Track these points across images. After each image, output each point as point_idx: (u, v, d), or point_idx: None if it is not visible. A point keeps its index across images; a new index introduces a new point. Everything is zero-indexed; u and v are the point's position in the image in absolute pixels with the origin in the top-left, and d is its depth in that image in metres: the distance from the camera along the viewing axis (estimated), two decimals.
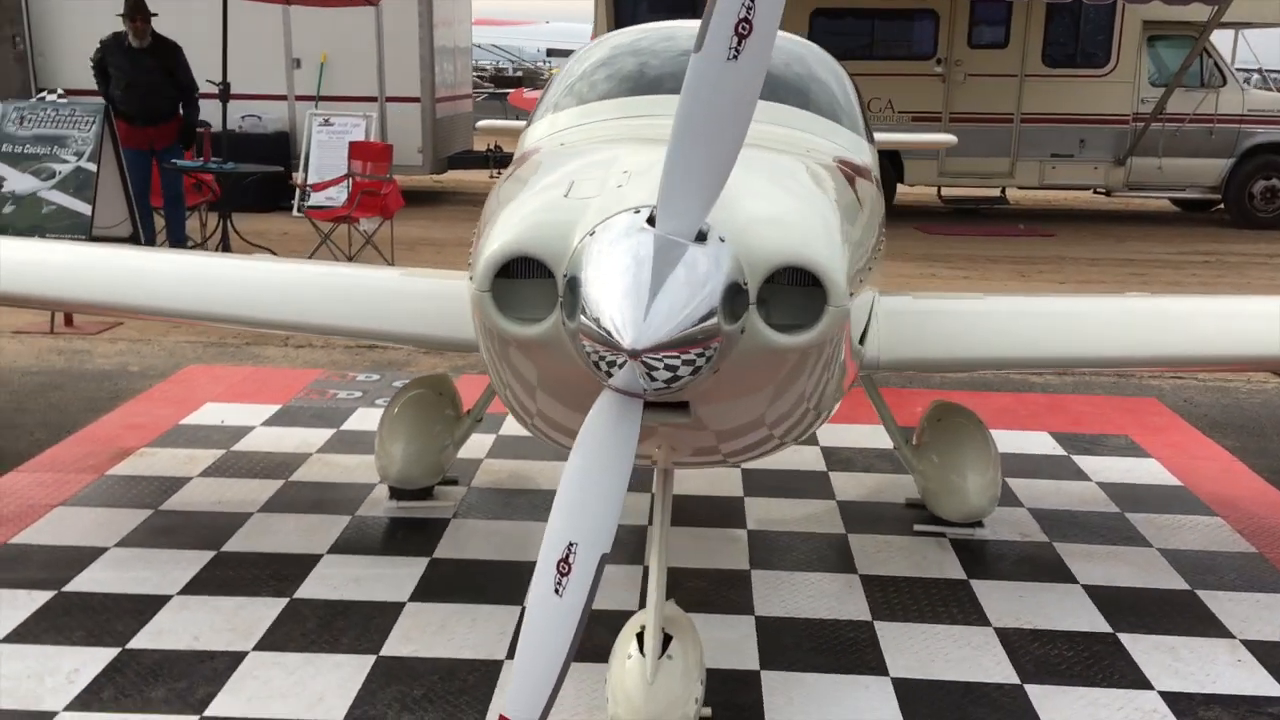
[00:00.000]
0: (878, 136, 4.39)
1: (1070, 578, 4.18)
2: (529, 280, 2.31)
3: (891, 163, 14.42)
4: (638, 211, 2.15)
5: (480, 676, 3.42)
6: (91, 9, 13.70)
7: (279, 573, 4.04)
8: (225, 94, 10.02)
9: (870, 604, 3.93)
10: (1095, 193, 15.69)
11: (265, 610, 3.78)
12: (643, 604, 3.50)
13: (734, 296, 2.18)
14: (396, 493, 4.68)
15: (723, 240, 2.17)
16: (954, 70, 14.16)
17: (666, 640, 2.95)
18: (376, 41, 14.56)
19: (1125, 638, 3.75)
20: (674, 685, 2.88)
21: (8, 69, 14.60)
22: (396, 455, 4.53)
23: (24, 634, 3.58)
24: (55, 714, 3.16)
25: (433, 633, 3.67)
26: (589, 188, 2.39)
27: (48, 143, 9.12)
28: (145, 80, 9.25)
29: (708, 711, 3.20)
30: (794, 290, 2.25)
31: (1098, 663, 3.58)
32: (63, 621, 3.67)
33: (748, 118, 2.10)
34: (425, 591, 3.95)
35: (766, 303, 2.27)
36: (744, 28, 2.00)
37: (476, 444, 5.28)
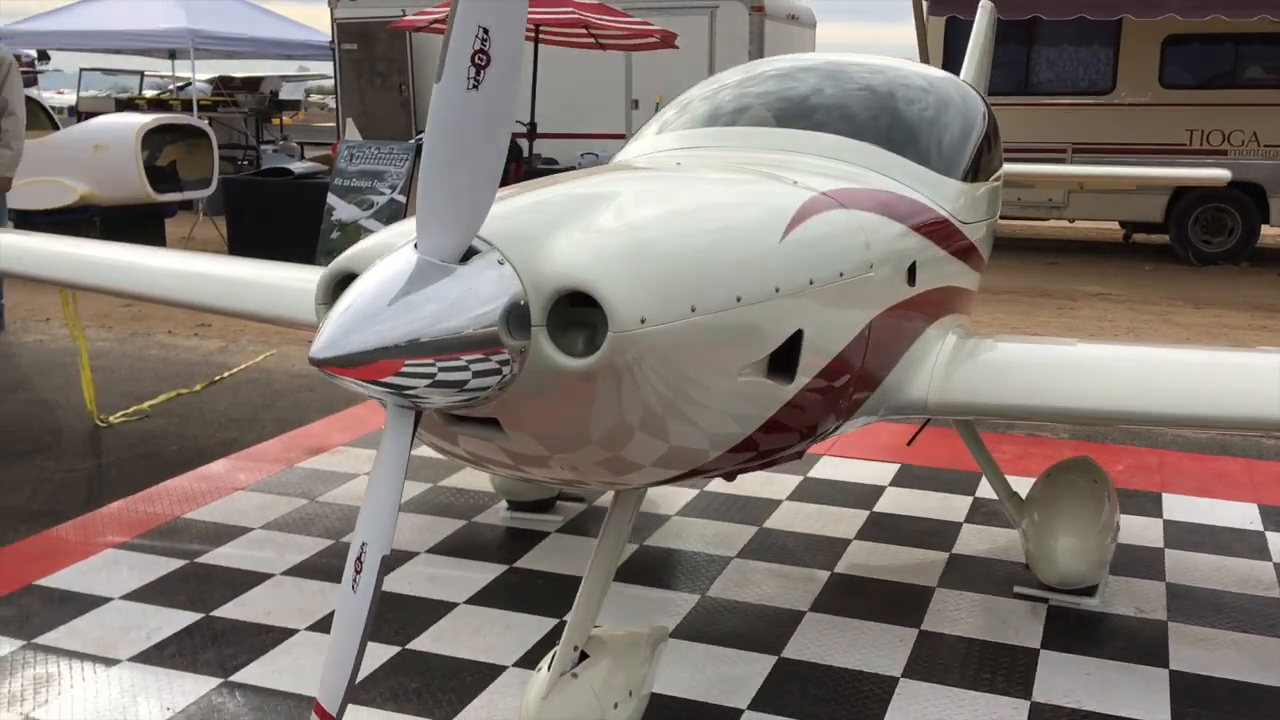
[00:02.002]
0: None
1: (1162, 662, 3.74)
2: None
3: (1255, 201, 13.08)
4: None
5: (478, 679, 3.59)
6: None
7: None
8: (531, 133, 10.84)
9: (910, 660, 3.72)
10: None
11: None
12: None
13: (517, 316, 2.24)
14: (514, 504, 4.94)
15: (502, 263, 2.24)
16: None
17: (583, 658, 3.00)
18: None
19: None
20: (574, 703, 2.92)
21: (394, 113, 16.46)
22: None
23: (139, 594, 4.16)
24: (118, 662, 3.67)
25: (466, 634, 3.88)
26: None
27: (369, 177, 10.29)
28: None
29: None
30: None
31: None
32: (175, 587, 4.22)
33: (501, 144, 2.17)
34: (483, 596, 4.17)
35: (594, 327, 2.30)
36: (481, 59, 2.08)
37: None
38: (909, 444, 5.31)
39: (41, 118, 12.73)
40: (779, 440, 3.00)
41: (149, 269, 5.02)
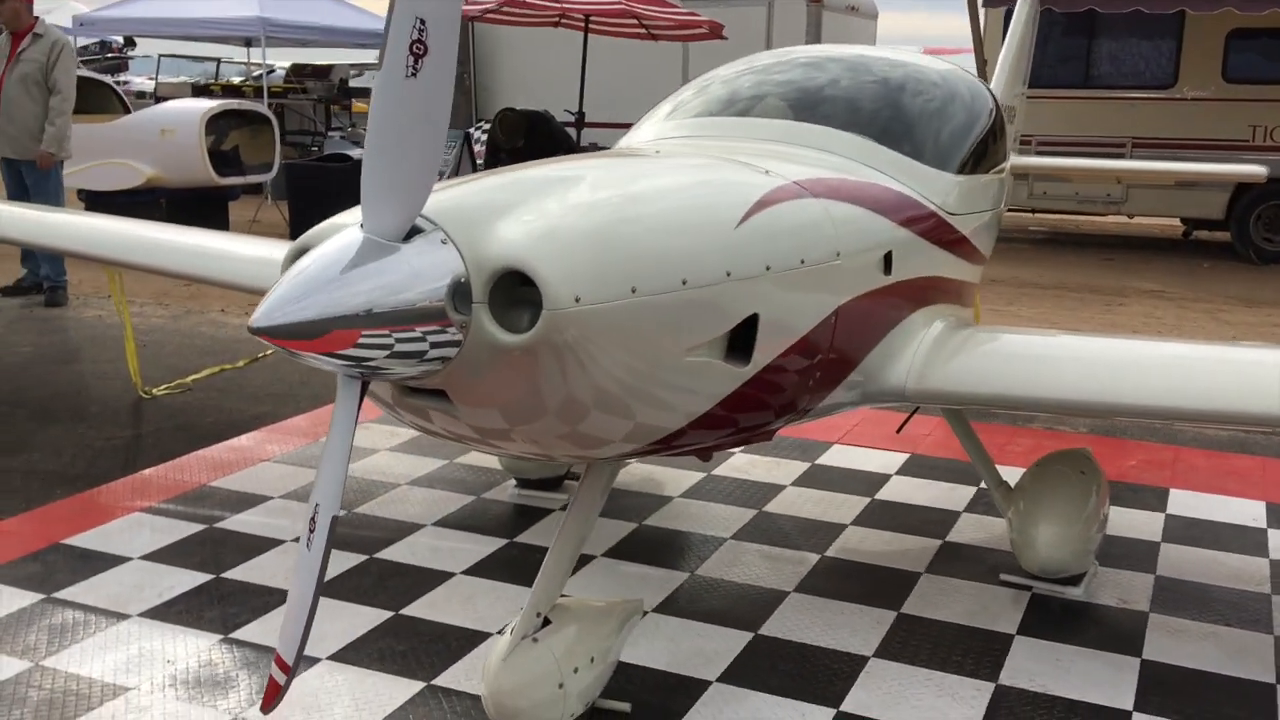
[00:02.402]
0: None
1: (1135, 651, 3.78)
2: None
3: None
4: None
5: (463, 644, 3.75)
6: (526, 46, 15.47)
7: (379, 536, 4.60)
8: (580, 122, 11.01)
9: (884, 641, 3.80)
10: None
11: (343, 563, 4.34)
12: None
13: (461, 293, 2.38)
14: (522, 481, 5.09)
15: (445, 242, 2.38)
16: None
17: (546, 624, 3.14)
18: None
19: (1138, 717, 3.38)
20: (530, 667, 3.06)
21: (455, 102, 16.74)
22: None
23: (156, 555, 4.38)
24: (128, 617, 3.89)
25: (458, 602, 4.04)
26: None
27: None
28: None
29: (625, 707, 3.34)
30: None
31: None
32: (191, 549, 4.44)
33: (440, 129, 2.31)
34: (480, 567, 4.33)
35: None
36: (419, 48, 2.22)
37: None
38: (898, 431, 5.38)
39: (114, 102, 13.20)
40: (743, 419, 3.11)
41: (150, 240, 5.38)
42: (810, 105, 4.05)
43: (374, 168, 2.31)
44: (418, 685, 3.48)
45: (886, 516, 4.92)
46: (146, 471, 5.30)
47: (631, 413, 2.68)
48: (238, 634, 3.79)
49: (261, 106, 13.09)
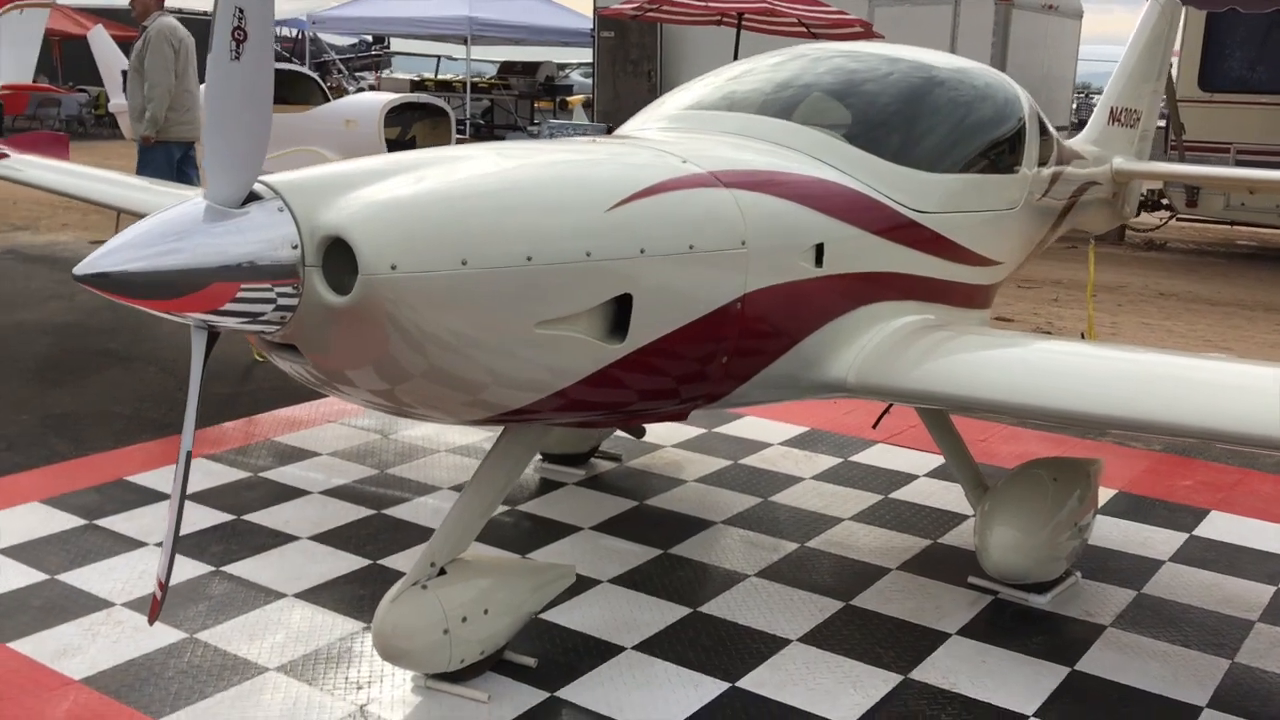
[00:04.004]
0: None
1: (1069, 661, 3.71)
2: None
3: None
4: None
5: None
6: (708, 44, 15.71)
7: (398, 495, 4.96)
8: None
9: (815, 629, 3.87)
10: None
11: (353, 514, 4.72)
12: None
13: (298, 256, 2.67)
14: (546, 455, 5.35)
15: (282, 210, 2.67)
16: None
17: (441, 574, 3.39)
18: None
19: None
20: (416, 611, 3.31)
21: (642, 99, 17.07)
22: None
23: (195, 496, 4.87)
24: (145, 545, 4.39)
25: None
26: None
27: None
28: None
29: (530, 661, 3.56)
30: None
31: None
32: (227, 494, 4.92)
33: (263, 107, 2.60)
34: None
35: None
36: (239, 34, 2.52)
37: (665, 431, 5.76)
38: (874, 427, 5.35)
39: (316, 93, 14.26)
40: (629, 396, 3.27)
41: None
42: (782, 101, 4.14)
43: (212, 142, 2.63)
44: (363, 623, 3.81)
45: (889, 514, 4.92)
46: (227, 424, 5.85)
47: (473, 376, 2.90)
48: (229, 568, 4.22)
49: (439, 100, 13.84)
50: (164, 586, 2.94)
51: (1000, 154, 4.54)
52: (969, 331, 4.06)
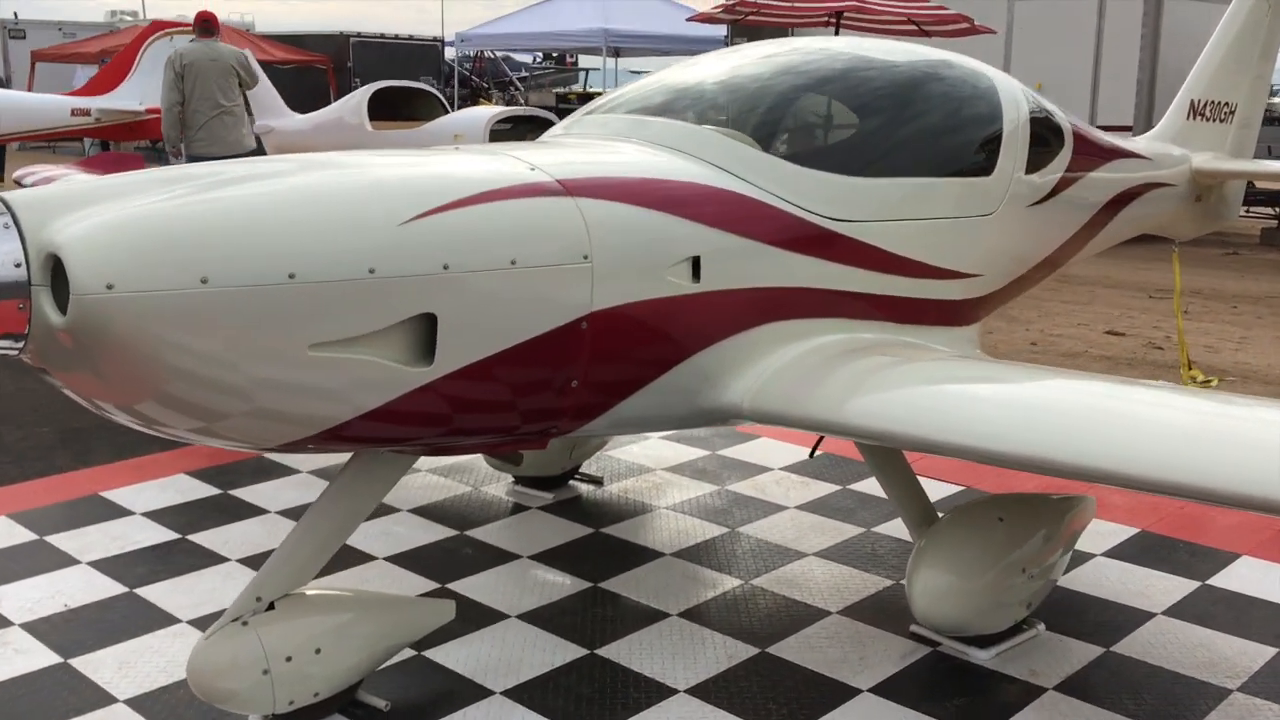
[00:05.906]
0: None
1: None
2: None
3: None
4: None
5: None
6: None
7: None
8: None
9: (710, 677, 3.52)
10: None
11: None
12: None
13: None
14: (517, 478, 5.13)
15: (8, 227, 2.54)
16: None
17: (270, 609, 3.20)
18: (1093, 70, 14.12)
19: None
20: (230, 650, 3.11)
21: None
22: None
23: (155, 515, 4.87)
24: (79, 563, 4.39)
25: (357, 584, 4.16)
26: None
27: None
28: None
29: (381, 704, 3.34)
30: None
31: None
32: (180, 512, 4.90)
33: None
34: (407, 556, 4.41)
35: None
36: None
37: (660, 453, 5.45)
38: (810, 456, 4.91)
39: (438, 110, 14.47)
40: (442, 423, 3.00)
41: None
42: (694, 103, 3.82)
43: None
44: None
45: (860, 550, 4.49)
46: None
47: (239, 399, 2.70)
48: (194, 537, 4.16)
49: (543, 112, 13.80)
50: None
51: (964, 155, 4.07)
52: (909, 356, 3.64)
